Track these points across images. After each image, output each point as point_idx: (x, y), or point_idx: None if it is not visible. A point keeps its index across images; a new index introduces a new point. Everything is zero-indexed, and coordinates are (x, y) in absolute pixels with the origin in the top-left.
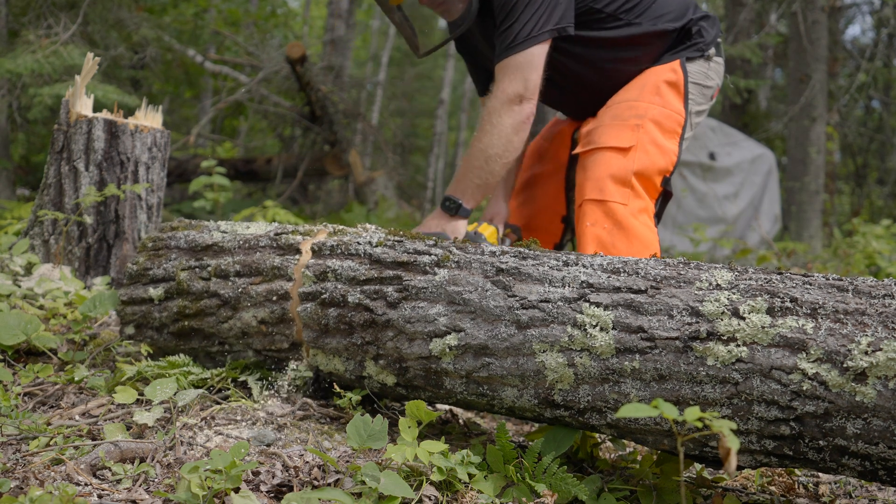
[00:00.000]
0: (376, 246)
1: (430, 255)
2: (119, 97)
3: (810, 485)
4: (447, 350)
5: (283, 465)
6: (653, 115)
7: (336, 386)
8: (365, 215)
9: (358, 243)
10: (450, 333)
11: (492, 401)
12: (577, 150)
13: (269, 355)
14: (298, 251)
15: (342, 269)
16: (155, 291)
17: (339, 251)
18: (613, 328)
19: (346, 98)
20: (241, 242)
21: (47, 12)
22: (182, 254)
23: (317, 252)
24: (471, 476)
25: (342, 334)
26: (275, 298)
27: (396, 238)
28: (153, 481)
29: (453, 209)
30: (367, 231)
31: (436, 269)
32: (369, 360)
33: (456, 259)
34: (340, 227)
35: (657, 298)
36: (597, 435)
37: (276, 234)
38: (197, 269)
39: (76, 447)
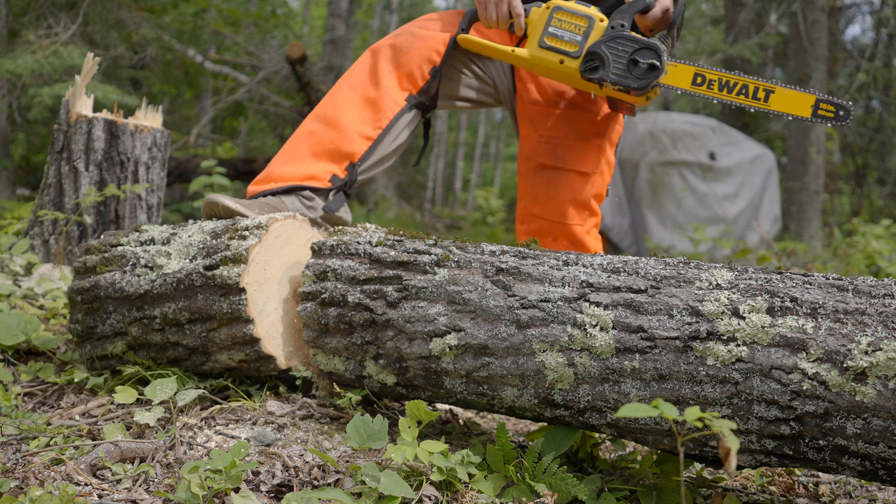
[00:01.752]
0: (376, 245)
1: (430, 254)
2: (119, 97)
3: (810, 485)
4: (447, 350)
5: (283, 465)
6: (609, 134)
7: (336, 386)
8: (365, 215)
9: (358, 243)
10: (450, 333)
11: (492, 400)
12: (542, 159)
13: (259, 379)
14: (242, 290)
15: (342, 268)
16: (116, 347)
17: (339, 250)
18: (613, 328)
19: None
20: (173, 285)
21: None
22: (119, 305)
23: (317, 251)
24: (471, 476)
25: (342, 334)
26: (243, 343)
27: (396, 237)
28: (153, 481)
29: None
30: (367, 230)
31: (436, 268)
32: (369, 360)
33: (456, 258)
34: (341, 227)
35: (657, 298)
36: (597, 435)
37: (207, 269)
38: (145, 321)
39: (76, 447)
